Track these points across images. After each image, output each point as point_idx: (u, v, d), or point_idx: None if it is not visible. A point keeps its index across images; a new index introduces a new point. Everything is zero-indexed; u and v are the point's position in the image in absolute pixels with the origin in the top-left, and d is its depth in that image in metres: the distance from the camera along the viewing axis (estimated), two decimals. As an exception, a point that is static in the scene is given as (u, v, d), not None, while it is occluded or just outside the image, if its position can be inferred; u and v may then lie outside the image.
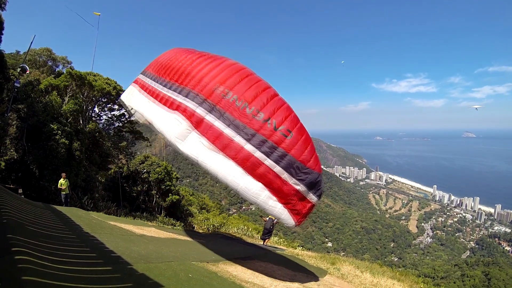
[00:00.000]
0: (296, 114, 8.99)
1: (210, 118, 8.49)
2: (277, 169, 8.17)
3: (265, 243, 19.49)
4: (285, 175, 8.25)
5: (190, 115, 8.63)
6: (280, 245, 24.80)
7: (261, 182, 8.18)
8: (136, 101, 10.56)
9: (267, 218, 18.54)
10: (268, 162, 8.16)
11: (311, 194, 8.76)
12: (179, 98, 8.96)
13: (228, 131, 8.30)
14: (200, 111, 8.58)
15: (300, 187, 8.45)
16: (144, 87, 10.45)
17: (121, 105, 10.87)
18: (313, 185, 8.75)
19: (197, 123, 8.50)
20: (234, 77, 8.84)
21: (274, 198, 8.35)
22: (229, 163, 8.27)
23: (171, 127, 8.68)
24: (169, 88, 9.48)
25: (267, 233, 18.98)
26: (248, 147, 8.18)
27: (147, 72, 10.97)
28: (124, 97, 11.53)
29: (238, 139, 8.22)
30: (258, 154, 8.15)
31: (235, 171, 8.21)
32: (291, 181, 8.32)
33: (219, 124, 8.37)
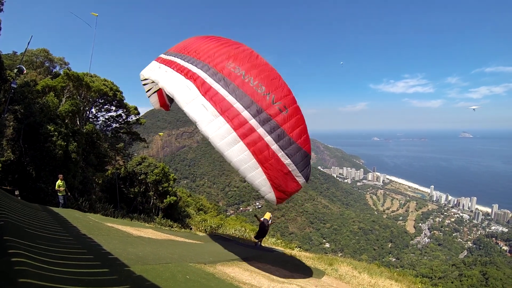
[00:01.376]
0: (295, 98, 9.43)
1: (217, 86, 8.96)
2: (268, 138, 8.60)
3: (258, 243, 19.44)
4: (274, 146, 8.65)
5: (201, 83, 9.11)
6: (278, 246, 24.79)
7: (250, 150, 8.58)
8: (154, 72, 11.03)
9: (262, 219, 18.54)
10: (261, 130, 8.58)
11: (298, 173, 9.05)
12: (193, 69, 9.47)
13: (230, 98, 8.79)
14: (209, 80, 9.04)
15: (287, 161, 8.80)
16: (164, 61, 10.91)
17: (143, 79, 11.24)
18: (301, 164, 9.07)
19: (205, 90, 8.99)
20: (245, 58, 9.52)
21: (260, 168, 8.69)
22: (224, 126, 8.69)
23: (182, 91, 9.22)
24: (186, 61, 9.97)
25: (261, 234, 18.97)
26: (245, 114, 8.64)
27: (168, 52, 11.45)
28: (143, 72, 11.98)
29: (237, 106, 8.70)
30: (252, 122, 8.61)
31: (228, 136, 8.62)
32: (279, 153, 8.71)
33: (223, 92, 8.86)
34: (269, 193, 8.98)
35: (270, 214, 18.95)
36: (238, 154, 8.64)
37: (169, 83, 9.75)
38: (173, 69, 10.14)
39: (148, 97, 13.85)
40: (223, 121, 8.68)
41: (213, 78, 9.08)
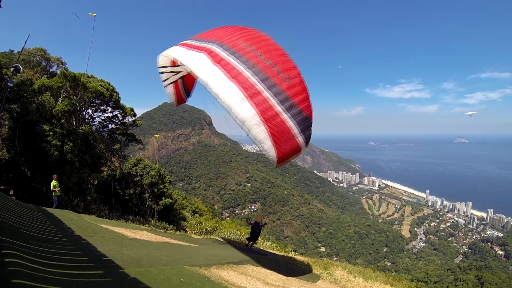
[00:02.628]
0: (300, 72, 10.36)
1: (229, 58, 9.84)
2: (272, 101, 9.34)
3: (250, 246, 19.38)
4: (278, 108, 9.36)
5: (214, 55, 9.96)
6: (273, 249, 24.76)
7: (256, 109, 9.22)
8: (170, 50, 11.62)
9: (253, 222, 18.54)
10: (266, 93, 9.34)
11: (298, 135, 9.78)
12: (207, 45, 10.38)
13: (240, 67, 9.66)
14: (221, 54, 9.95)
15: (290, 123, 9.54)
16: (182, 44, 11.55)
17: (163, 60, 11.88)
18: (302, 125, 9.80)
19: (217, 61, 9.84)
20: (256, 39, 10.64)
21: (263, 126, 9.29)
22: (233, 88, 9.42)
23: (195, 61, 10.05)
24: (203, 42, 10.89)
25: (253, 236, 18.96)
26: (253, 79, 9.48)
27: (188, 38, 12.09)
28: (162, 54, 12.33)
29: (246, 73, 9.57)
30: (259, 86, 9.45)
31: (236, 95, 9.31)
32: (282, 115, 9.42)
33: (236, 63, 9.74)
34: (270, 150, 9.52)
35: (261, 217, 18.99)
36: (244, 111, 9.22)
37: (184, 56, 10.53)
38: (189, 48, 10.90)
39: (165, 87, 14.29)
40: (232, 83, 9.38)
41: (225, 53, 9.97)
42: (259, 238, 21.05)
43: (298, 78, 10.11)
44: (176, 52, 11.12)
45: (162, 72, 13.52)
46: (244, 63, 9.68)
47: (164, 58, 12.53)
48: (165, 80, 13.77)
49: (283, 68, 9.85)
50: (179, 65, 12.21)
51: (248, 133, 9.47)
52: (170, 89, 14.43)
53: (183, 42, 11.75)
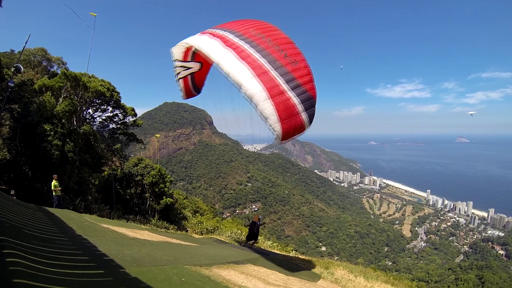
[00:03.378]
0: (305, 58, 11.25)
1: (240, 42, 10.75)
2: (279, 79, 10.09)
3: (250, 245, 19.39)
4: (284, 87, 10.10)
5: (225, 40, 10.92)
6: (274, 249, 24.75)
7: (264, 86, 9.93)
8: (189, 39, 12.32)
9: (251, 222, 18.60)
10: (274, 72, 10.12)
11: (302, 112, 10.43)
12: (220, 32, 11.36)
13: (250, 50, 10.53)
14: (233, 39, 10.91)
15: (295, 100, 10.22)
16: (199, 34, 12.35)
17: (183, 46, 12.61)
18: (306, 103, 10.46)
19: (228, 45, 10.74)
20: (266, 28, 11.59)
21: (270, 101, 9.95)
22: (243, 67, 10.21)
23: (208, 45, 10.99)
24: (217, 30, 11.81)
25: (251, 235, 19.02)
26: (262, 60, 10.29)
27: (203, 31, 12.83)
28: (180, 42, 12.99)
29: (255, 55, 10.42)
30: (267, 66, 10.20)
31: (247, 73, 10.09)
32: (288, 92, 10.14)
33: (245, 47, 10.62)
34: (276, 125, 10.04)
35: (258, 216, 19.03)
36: (252, 87, 9.92)
37: (198, 41, 11.42)
38: (202, 34, 11.85)
39: (176, 81, 14.89)
40: (242, 64, 10.20)
41: (236, 38, 10.92)
42: (259, 238, 21.05)
43: (304, 63, 10.88)
44: (191, 39, 11.87)
45: (175, 67, 14.16)
46: (253, 47, 10.55)
47: (178, 49, 13.04)
48: (177, 74, 14.43)
49: (289, 53, 10.67)
50: (189, 61, 13.62)
51: (256, 108, 10.06)
52: (181, 84, 15.14)
53: (197, 34, 12.52)
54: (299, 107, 10.31)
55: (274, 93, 10.02)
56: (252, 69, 10.14)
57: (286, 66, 10.38)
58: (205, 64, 14.36)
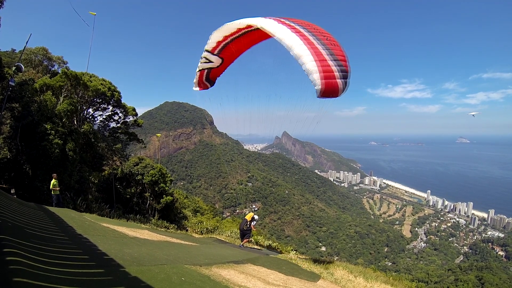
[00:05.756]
0: (341, 46, 12.83)
1: (292, 24, 12.59)
2: (322, 51, 11.84)
3: (242, 244, 19.38)
4: (326, 56, 11.76)
5: (279, 21, 12.71)
6: (274, 249, 24.75)
7: (311, 51, 11.72)
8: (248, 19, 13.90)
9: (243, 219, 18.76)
10: (319, 46, 11.91)
11: (338, 78, 11.90)
12: (274, 17, 13.12)
13: (299, 27, 12.38)
14: (287, 21, 12.78)
15: (334, 67, 11.76)
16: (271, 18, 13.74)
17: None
18: (342, 74, 11.96)
19: (283, 23, 12.61)
20: (312, 24, 13.28)
21: (316, 62, 11.60)
22: (294, 35, 12.10)
23: (266, 21, 12.74)
24: (281, 19, 13.28)
25: (242, 235, 19.15)
26: (310, 36, 12.14)
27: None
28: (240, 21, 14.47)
29: (305, 32, 12.30)
30: (313, 40, 12.02)
31: (296, 40, 11.95)
32: (329, 61, 11.74)
33: (296, 25, 12.53)
34: (317, 81, 11.56)
35: (252, 214, 19.09)
36: (301, 50, 11.70)
37: (257, 20, 13.03)
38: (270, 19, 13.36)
39: (198, 71, 16.30)
40: (293, 33, 12.09)
41: (287, 21, 12.85)
42: (251, 236, 21.12)
43: (340, 47, 12.51)
44: (250, 19, 13.52)
45: (202, 57, 15.51)
46: (303, 28, 12.44)
47: (219, 33, 14.43)
48: (199, 65, 15.97)
49: (330, 38, 12.48)
50: (215, 54, 15.18)
51: (302, 65, 11.76)
52: (197, 76, 16.41)
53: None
54: (337, 74, 11.81)
55: (318, 58, 11.70)
56: (301, 38, 11.95)
57: (328, 45, 12.11)
58: (226, 61, 15.82)
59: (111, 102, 30.85)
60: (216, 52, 15.03)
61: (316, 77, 11.61)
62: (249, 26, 13.64)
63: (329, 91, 11.86)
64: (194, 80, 16.72)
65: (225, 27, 14.14)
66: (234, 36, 14.47)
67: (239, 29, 14.12)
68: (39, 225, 8.67)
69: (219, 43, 14.72)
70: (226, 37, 14.47)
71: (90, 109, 30.46)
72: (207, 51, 15.06)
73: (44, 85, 24.30)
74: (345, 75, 12.24)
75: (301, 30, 12.51)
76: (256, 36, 14.72)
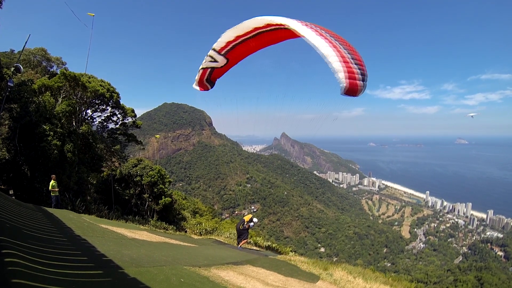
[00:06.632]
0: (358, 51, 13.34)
1: (317, 28, 12.80)
2: (345, 54, 12.29)
3: (240, 246, 19.38)
4: (349, 58, 12.23)
5: (305, 24, 12.95)
6: (273, 250, 24.74)
7: (336, 52, 12.13)
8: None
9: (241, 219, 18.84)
10: (342, 49, 12.32)
11: (358, 80, 12.33)
12: (317, 28, 13.01)
13: (322, 31, 12.66)
14: (312, 25, 13.15)
15: (355, 70, 12.24)
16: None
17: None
18: (361, 76, 12.43)
19: (307, 25, 12.89)
20: (337, 35, 13.45)
21: (341, 62, 12.01)
22: (319, 36, 12.33)
23: (295, 23, 12.91)
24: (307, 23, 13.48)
25: (238, 235, 19.22)
26: (333, 39, 12.54)
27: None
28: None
29: (328, 35, 12.62)
30: (337, 44, 12.38)
31: (322, 41, 12.25)
32: (351, 64, 12.23)
33: (318, 29, 12.75)
34: (343, 79, 11.94)
35: (250, 215, 19.17)
36: (327, 50, 12.05)
37: (286, 19, 13.00)
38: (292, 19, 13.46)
39: (201, 69, 16.04)
40: (318, 35, 12.30)
41: (312, 24, 13.18)
42: (248, 237, 21.14)
43: (358, 53, 12.99)
44: (272, 17, 13.46)
45: (208, 55, 15.30)
46: (326, 32, 12.80)
47: (232, 32, 14.22)
48: (203, 63, 15.76)
49: (348, 44, 12.84)
50: (222, 54, 15.04)
51: (328, 62, 12.15)
52: (199, 74, 16.19)
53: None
54: (357, 76, 12.29)
55: (342, 59, 12.15)
56: (326, 40, 12.36)
57: (349, 49, 12.57)
58: (231, 62, 15.74)
59: (110, 103, 30.82)
60: (223, 52, 15.01)
61: (341, 76, 12.18)
62: (269, 25, 13.81)
63: (351, 90, 12.40)
64: (196, 77, 16.52)
65: (241, 25, 14.14)
66: (247, 36, 14.53)
67: (256, 28, 14.16)
68: (38, 226, 8.65)
69: (229, 43, 14.68)
70: (238, 37, 14.47)
71: (89, 110, 30.41)
72: (214, 50, 14.95)
73: (42, 86, 24.27)
74: (363, 77, 12.87)
75: (324, 33, 12.90)
76: (273, 36, 15.00)
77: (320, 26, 13.62)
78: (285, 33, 13.93)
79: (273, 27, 13.76)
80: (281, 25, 13.35)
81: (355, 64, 12.60)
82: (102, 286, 5.29)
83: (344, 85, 12.11)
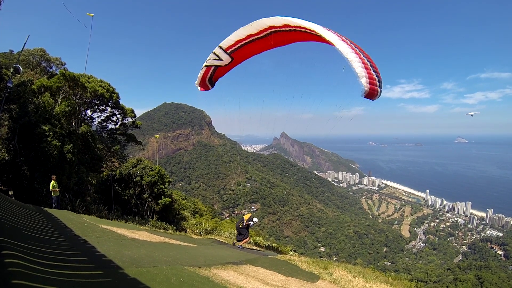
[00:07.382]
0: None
1: (339, 34, 13.36)
2: (366, 60, 12.88)
3: (240, 245, 19.34)
4: (368, 65, 12.90)
5: (328, 29, 13.35)
6: (273, 249, 24.75)
7: (358, 58, 12.68)
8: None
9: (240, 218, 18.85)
10: (362, 55, 12.95)
11: (376, 86, 12.98)
12: (340, 36, 13.57)
13: (346, 39, 13.30)
14: (332, 31, 13.33)
15: (374, 76, 12.87)
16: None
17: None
18: (379, 83, 13.15)
19: (329, 30, 13.25)
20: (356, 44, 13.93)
21: (363, 67, 12.59)
22: (343, 43, 12.87)
23: (319, 27, 13.21)
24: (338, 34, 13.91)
25: (238, 233, 19.24)
26: (355, 48, 13.09)
27: None
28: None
29: (349, 43, 13.09)
30: (358, 51, 13.01)
31: (346, 47, 12.73)
32: (371, 70, 12.83)
33: (344, 37, 13.41)
34: (366, 84, 12.45)
35: (250, 214, 19.19)
36: (351, 55, 12.60)
37: (310, 23, 13.46)
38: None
39: (205, 66, 15.95)
40: (342, 42, 12.85)
41: (332, 30, 13.41)
42: (248, 236, 21.09)
43: (373, 61, 13.57)
44: (291, 18, 13.76)
45: (213, 52, 15.19)
46: (348, 39, 13.37)
47: (246, 30, 14.21)
48: (207, 60, 15.66)
49: (366, 52, 13.50)
50: (228, 53, 14.98)
51: (351, 66, 12.74)
52: (202, 71, 16.12)
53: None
54: (376, 82, 12.93)
55: (365, 65, 12.76)
56: (349, 47, 12.92)
57: (368, 58, 13.26)
58: (235, 61, 15.63)
59: (109, 104, 30.79)
60: (229, 50, 15.00)
61: (364, 81, 12.73)
62: (286, 26, 14.05)
63: (371, 94, 13.06)
64: (199, 75, 16.41)
65: (255, 24, 14.04)
66: (259, 35, 14.52)
67: (272, 27, 14.19)
68: (38, 227, 8.66)
69: (238, 41, 14.62)
70: (249, 36, 14.48)
71: (88, 110, 30.38)
72: (220, 47, 14.90)
73: (42, 86, 24.24)
74: (380, 84, 13.62)
75: (344, 38, 13.57)
76: (288, 37, 15.04)
77: (338, 33, 13.96)
78: (303, 36, 14.12)
79: (291, 29, 14.00)
80: (303, 27, 13.69)
81: (373, 71, 13.21)
82: (102, 287, 5.30)
83: (366, 89, 12.71)
